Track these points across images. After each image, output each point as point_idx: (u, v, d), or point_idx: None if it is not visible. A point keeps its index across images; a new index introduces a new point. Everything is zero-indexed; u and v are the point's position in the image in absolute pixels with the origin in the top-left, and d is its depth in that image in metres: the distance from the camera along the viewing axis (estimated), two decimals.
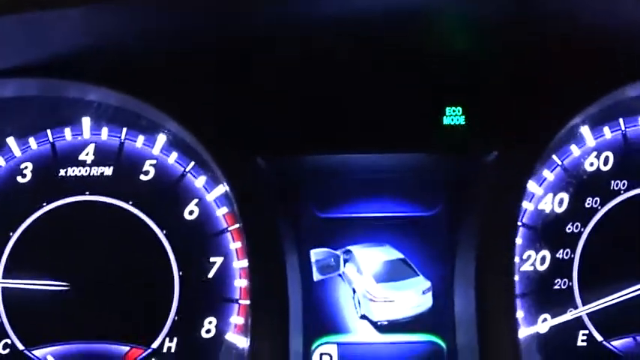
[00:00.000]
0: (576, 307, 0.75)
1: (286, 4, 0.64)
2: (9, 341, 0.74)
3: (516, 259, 0.74)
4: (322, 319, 0.78)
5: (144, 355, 0.74)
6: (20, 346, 0.74)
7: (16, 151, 0.77)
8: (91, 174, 0.77)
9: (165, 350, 0.74)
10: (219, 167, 0.73)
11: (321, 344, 0.76)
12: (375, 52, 0.73)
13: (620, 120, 0.77)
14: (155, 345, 0.74)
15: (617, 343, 0.74)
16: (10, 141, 0.76)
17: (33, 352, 0.74)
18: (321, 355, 0.76)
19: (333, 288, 0.78)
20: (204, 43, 0.73)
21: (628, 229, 0.76)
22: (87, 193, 0.76)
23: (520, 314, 0.74)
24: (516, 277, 0.74)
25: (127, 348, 0.74)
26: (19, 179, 0.77)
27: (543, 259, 0.76)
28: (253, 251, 0.72)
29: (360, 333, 0.77)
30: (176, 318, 0.74)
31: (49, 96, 0.76)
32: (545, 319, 0.75)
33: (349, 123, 0.73)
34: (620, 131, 0.77)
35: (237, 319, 0.74)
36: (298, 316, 0.75)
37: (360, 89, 0.73)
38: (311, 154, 0.75)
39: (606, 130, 0.77)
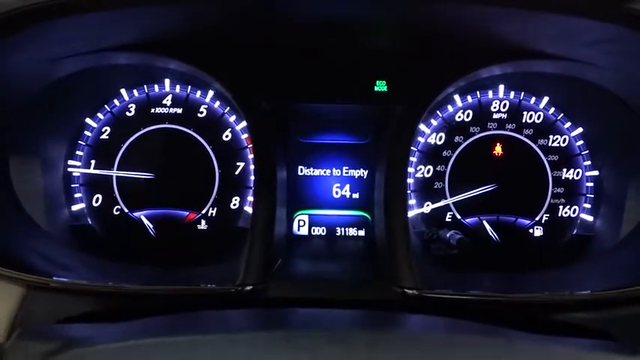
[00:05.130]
0: (446, 198, 1.13)
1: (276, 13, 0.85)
2: (119, 207, 1.15)
3: (412, 170, 1.15)
4: (300, 201, 1.18)
5: (197, 217, 1.15)
6: (126, 210, 1.15)
7: (126, 97, 1.14)
8: (169, 112, 1.12)
9: (209, 215, 1.15)
10: (240, 109, 0.99)
11: (299, 214, 1.19)
12: (338, 49, 0.98)
13: (477, 92, 1.12)
14: (204, 211, 1.14)
15: (468, 220, 1.14)
16: (122, 91, 1.13)
17: (133, 213, 1.15)
18: (299, 220, 1.19)
19: (308, 183, 1.18)
20: (241, 36, 0.93)
21: (478, 155, 1.11)
22: (167, 123, 1.12)
23: (413, 201, 1.15)
24: (412, 180, 1.15)
25: (187, 212, 1.15)
26: (127, 114, 1.14)
27: (429, 170, 1.15)
28: (257, 160, 0.99)
29: (323, 209, 1.19)
30: (216, 196, 1.14)
31: (145, 64, 1.03)
32: (428, 204, 1.15)
33: (320, 86, 1.01)
34: (477, 98, 1.13)
35: (251, 198, 1.13)
36: (283, 198, 1.11)
37: (327, 68, 1.01)
38: (296, 102, 1.04)
39: (469, 97, 1.12)
